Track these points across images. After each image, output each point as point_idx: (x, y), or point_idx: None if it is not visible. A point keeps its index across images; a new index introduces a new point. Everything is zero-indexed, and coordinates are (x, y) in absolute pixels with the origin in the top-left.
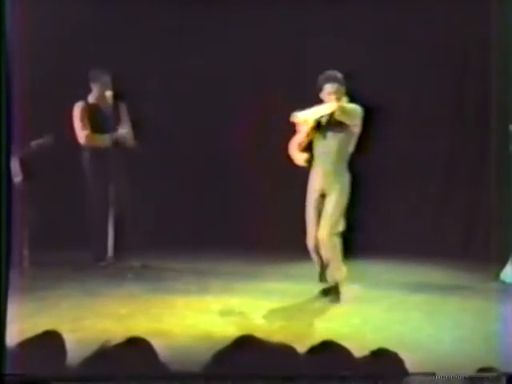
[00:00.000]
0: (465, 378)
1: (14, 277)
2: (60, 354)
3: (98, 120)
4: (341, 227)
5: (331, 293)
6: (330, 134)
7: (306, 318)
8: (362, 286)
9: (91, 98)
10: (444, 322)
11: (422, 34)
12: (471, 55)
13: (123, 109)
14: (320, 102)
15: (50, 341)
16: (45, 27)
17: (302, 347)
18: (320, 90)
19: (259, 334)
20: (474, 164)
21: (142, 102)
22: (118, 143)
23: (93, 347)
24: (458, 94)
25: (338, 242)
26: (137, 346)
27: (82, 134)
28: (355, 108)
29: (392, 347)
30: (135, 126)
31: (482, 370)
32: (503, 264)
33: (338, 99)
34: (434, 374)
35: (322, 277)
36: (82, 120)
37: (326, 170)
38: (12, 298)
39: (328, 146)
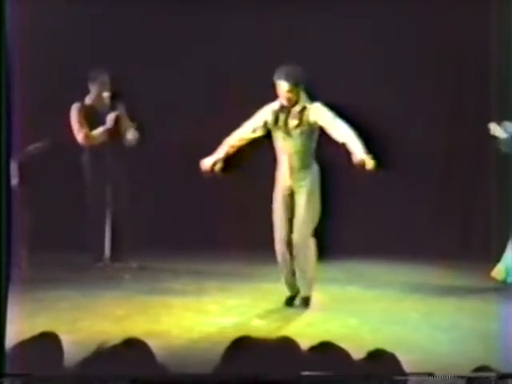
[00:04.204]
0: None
1: (12, 278)
2: (57, 356)
3: (95, 121)
4: (315, 223)
5: (299, 301)
6: (296, 131)
7: (303, 319)
8: (359, 286)
9: (88, 100)
10: (441, 323)
11: (420, 34)
12: (471, 55)
13: (121, 108)
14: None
15: (48, 342)
16: (44, 30)
17: (299, 348)
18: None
19: (256, 335)
20: (473, 163)
21: (140, 103)
22: (115, 135)
23: (90, 348)
24: (457, 94)
25: (313, 245)
26: (134, 347)
27: (80, 133)
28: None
29: (389, 348)
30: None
31: (478, 369)
32: None
33: (292, 99)
34: (431, 374)
35: (291, 285)
36: (79, 120)
37: (292, 166)
38: (10, 299)
39: (292, 143)
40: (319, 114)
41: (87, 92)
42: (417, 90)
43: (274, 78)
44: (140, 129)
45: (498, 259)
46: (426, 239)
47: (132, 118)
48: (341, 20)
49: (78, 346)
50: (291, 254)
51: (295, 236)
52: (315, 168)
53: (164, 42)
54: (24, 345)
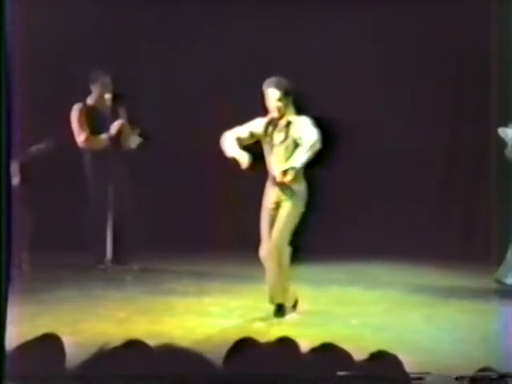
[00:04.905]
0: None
1: (13, 279)
2: (59, 357)
3: (96, 122)
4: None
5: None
6: (281, 146)
7: (305, 321)
8: (360, 288)
9: (90, 100)
10: (443, 324)
11: (421, 34)
12: (471, 55)
13: (122, 111)
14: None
15: (50, 343)
16: (45, 31)
17: (301, 349)
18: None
19: (258, 336)
20: (474, 164)
21: (141, 104)
22: (117, 141)
23: (92, 350)
24: (457, 94)
25: (286, 257)
26: (136, 348)
27: (80, 136)
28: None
29: (391, 349)
30: (135, 127)
31: (481, 370)
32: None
33: (282, 109)
34: (428, 373)
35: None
36: (80, 122)
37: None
38: (11, 301)
39: (277, 158)
40: (301, 127)
41: (89, 92)
42: (417, 90)
43: (264, 87)
44: (142, 131)
45: (499, 260)
46: (427, 240)
47: (133, 120)
48: (340, 20)
49: (80, 348)
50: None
51: (270, 243)
52: (302, 184)
53: (165, 44)
54: (25, 346)
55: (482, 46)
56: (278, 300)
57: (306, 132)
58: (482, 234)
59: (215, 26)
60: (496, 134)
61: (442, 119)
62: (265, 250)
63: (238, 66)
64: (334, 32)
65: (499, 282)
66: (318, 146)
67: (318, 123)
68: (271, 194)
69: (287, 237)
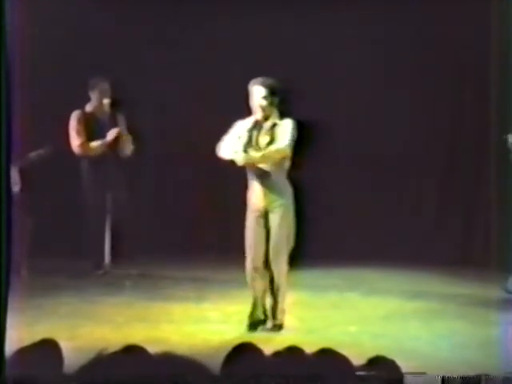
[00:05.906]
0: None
1: (12, 284)
2: (57, 362)
3: (94, 129)
4: (290, 245)
5: (270, 327)
6: (264, 150)
7: (304, 326)
8: (359, 293)
9: (89, 107)
10: (442, 330)
11: (421, 34)
12: (471, 55)
13: (121, 117)
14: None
15: (48, 348)
16: (45, 37)
17: (300, 354)
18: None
19: (257, 341)
20: (474, 165)
21: (140, 111)
22: (113, 146)
23: (90, 355)
24: (458, 94)
25: (285, 271)
26: (134, 353)
27: (75, 142)
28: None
29: (390, 355)
30: (133, 134)
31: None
32: (502, 271)
33: (266, 109)
34: (424, 374)
35: (257, 311)
36: (77, 129)
37: (265, 186)
38: (10, 306)
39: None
40: (281, 131)
41: (88, 99)
42: (417, 90)
43: (250, 85)
44: (139, 138)
45: (498, 266)
46: (426, 246)
47: (132, 126)
48: (340, 20)
49: (78, 353)
50: (261, 277)
51: (270, 260)
52: (289, 189)
53: (164, 49)
54: (24, 351)
55: (481, 45)
56: (278, 320)
57: (281, 136)
58: (481, 238)
59: (214, 29)
60: (496, 134)
61: (442, 119)
62: (252, 266)
63: (240, 72)
64: (334, 32)
65: (510, 292)
66: (283, 153)
67: (315, 125)
68: (256, 202)
69: (285, 251)
